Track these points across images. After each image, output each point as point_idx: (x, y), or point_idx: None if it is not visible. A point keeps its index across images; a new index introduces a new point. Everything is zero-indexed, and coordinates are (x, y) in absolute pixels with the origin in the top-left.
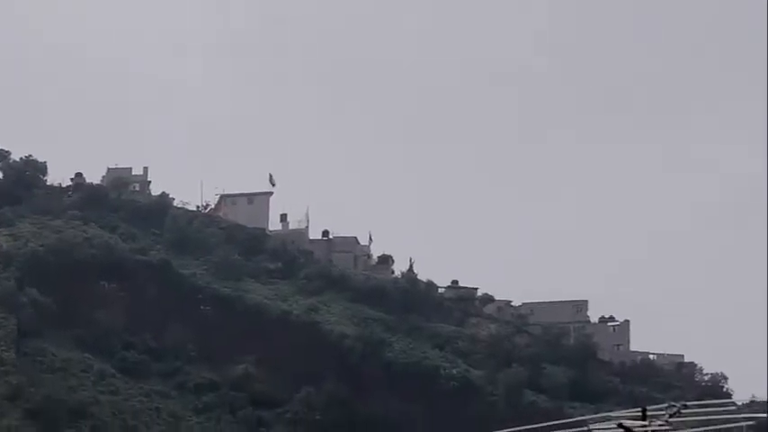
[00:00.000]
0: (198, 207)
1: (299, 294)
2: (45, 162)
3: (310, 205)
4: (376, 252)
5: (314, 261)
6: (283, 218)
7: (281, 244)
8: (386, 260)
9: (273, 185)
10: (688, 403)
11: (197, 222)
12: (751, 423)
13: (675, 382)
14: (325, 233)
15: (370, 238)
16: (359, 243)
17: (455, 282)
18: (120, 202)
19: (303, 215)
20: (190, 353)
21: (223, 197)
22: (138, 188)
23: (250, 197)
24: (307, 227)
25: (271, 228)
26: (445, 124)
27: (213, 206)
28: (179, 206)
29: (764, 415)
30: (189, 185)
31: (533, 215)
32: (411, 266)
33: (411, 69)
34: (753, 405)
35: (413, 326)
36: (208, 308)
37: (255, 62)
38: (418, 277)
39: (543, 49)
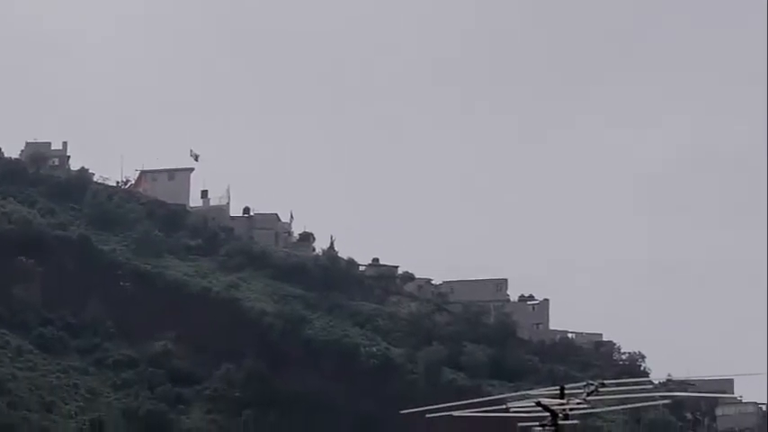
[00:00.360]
0: (118, 183)
1: (219, 271)
2: None
3: (231, 182)
4: (297, 229)
5: (235, 238)
6: (204, 194)
7: (202, 220)
8: (307, 238)
9: (196, 160)
10: (606, 381)
11: (117, 198)
12: (667, 401)
13: (594, 361)
14: (246, 210)
15: (291, 216)
16: (280, 220)
17: (376, 260)
18: (39, 176)
19: (224, 192)
20: (108, 329)
21: (143, 173)
22: (57, 163)
23: (171, 173)
24: (228, 203)
25: (191, 204)
26: (367, 100)
27: (133, 182)
28: (99, 182)
29: (680, 393)
30: (109, 161)
31: (454, 193)
32: (332, 244)
33: (329, 42)
34: (669, 384)
35: (333, 303)
36: (127, 284)
37: (177, 37)
38: (339, 255)
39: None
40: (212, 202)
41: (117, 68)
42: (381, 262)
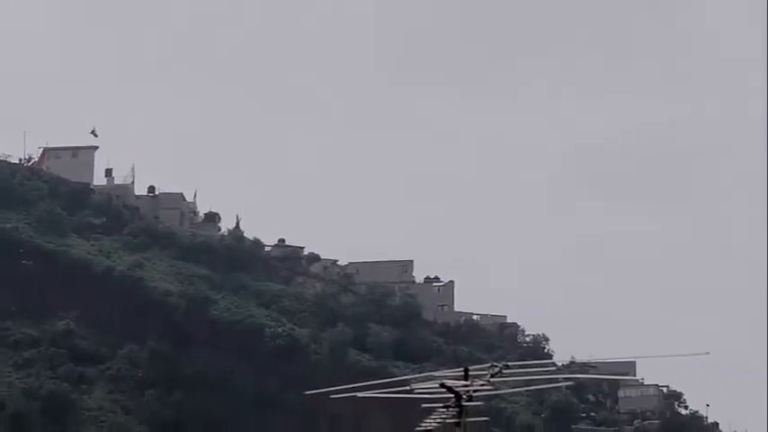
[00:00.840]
0: (20, 160)
1: (123, 250)
2: None
3: (136, 161)
4: (202, 209)
5: (139, 217)
6: (108, 173)
7: (106, 199)
8: (212, 217)
9: (96, 136)
10: (510, 363)
11: (19, 175)
12: (570, 383)
13: (498, 343)
14: (151, 189)
15: (196, 196)
16: (185, 200)
17: (282, 240)
18: None
19: (129, 171)
20: (10, 308)
21: (47, 150)
22: None
23: (74, 151)
24: (132, 182)
25: (95, 183)
26: (275, 76)
27: (36, 159)
28: (1, 159)
29: (583, 375)
30: (11, 138)
31: (361, 174)
32: (237, 224)
33: (232, 21)
34: (572, 366)
35: (239, 284)
36: (30, 263)
37: (80, 13)
38: (245, 235)
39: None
40: (117, 181)
41: (20, 46)
42: (287, 243)
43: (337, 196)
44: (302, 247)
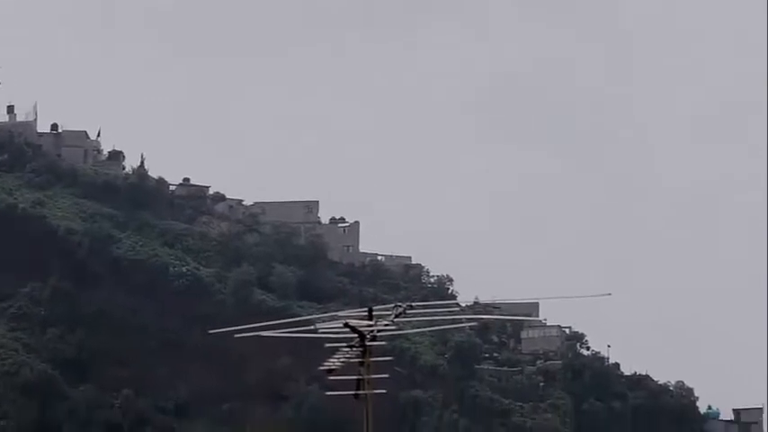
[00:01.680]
0: None
1: (25, 188)
2: None
3: (39, 98)
4: (106, 147)
5: (42, 155)
6: (10, 110)
7: (8, 136)
8: (116, 156)
9: None
10: (414, 304)
11: None
12: (474, 324)
13: (403, 284)
14: (54, 127)
15: (100, 133)
16: (89, 138)
17: (186, 179)
18: None
19: (31, 108)
20: None
21: None
22: None
23: None
24: (35, 120)
25: None
26: (178, 13)
27: None
28: None
29: (487, 316)
30: None
31: (268, 113)
32: (142, 162)
33: None
34: (475, 307)
35: (143, 222)
36: None
37: None
38: (149, 174)
39: None
40: (19, 118)
41: None
42: (192, 182)
43: (243, 135)
44: (207, 187)
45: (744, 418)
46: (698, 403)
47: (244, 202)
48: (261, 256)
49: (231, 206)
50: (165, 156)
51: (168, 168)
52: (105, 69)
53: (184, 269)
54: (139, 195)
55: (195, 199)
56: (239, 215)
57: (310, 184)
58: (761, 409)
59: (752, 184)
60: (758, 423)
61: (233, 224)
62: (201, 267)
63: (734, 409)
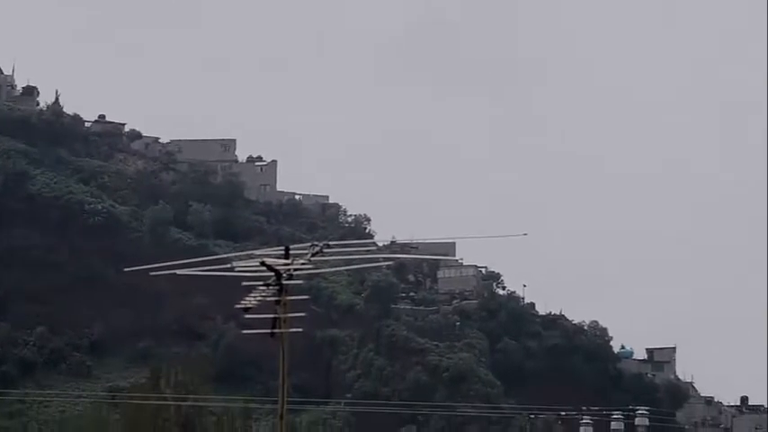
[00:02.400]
0: None
1: None
2: None
3: None
4: (20, 83)
5: None
6: None
7: None
8: (31, 91)
9: None
10: (331, 243)
11: None
12: (390, 263)
13: (320, 223)
14: None
15: (14, 69)
16: (2, 73)
17: (102, 116)
18: None
19: None
20: None
21: None
22: None
23: None
24: None
25: None
26: None
27: None
28: None
29: (403, 256)
30: None
31: (184, 50)
32: (57, 99)
33: None
34: (392, 246)
35: (57, 159)
36: None
37: None
38: (64, 110)
39: None
40: None
41: None
42: (108, 119)
43: (159, 73)
44: (123, 124)
45: (656, 358)
46: (612, 343)
47: (160, 140)
48: (177, 194)
49: (147, 144)
50: (81, 92)
51: (84, 105)
52: (18, 4)
53: (100, 207)
54: (54, 132)
55: (111, 136)
56: (156, 153)
57: (227, 122)
58: (673, 348)
59: (663, 128)
60: (670, 362)
61: (149, 162)
62: (117, 205)
63: (647, 349)
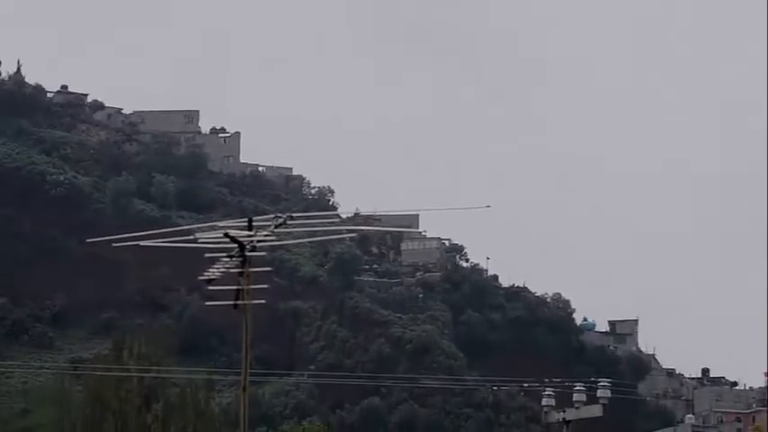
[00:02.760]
0: None
1: None
2: None
3: None
4: None
5: None
6: None
7: None
8: None
9: None
10: (294, 215)
11: None
12: (354, 235)
13: (284, 195)
14: None
15: None
16: None
17: (65, 87)
18: None
19: None
20: None
21: None
22: None
23: None
24: None
25: None
26: None
27: None
28: None
29: (367, 228)
30: None
31: (147, 20)
32: (18, 69)
33: None
34: (356, 218)
35: (19, 130)
36: None
37: None
38: (26, 80)
39: None
40: None
41: None
42: (70, 89)
43: (121, 42)
44: (86, 95)
45: (619, 330)
46: (574, 315)
47: (123, 111)
48: (140, 165)
49: (110, 115)
50: (43, 62)
51: (46, 75)
52: None
53: (62, 177)
54: (16, 102)
55: (73, 107)
56: (118, 124)
57: (191, 93)
58: (635, 320)
59: (624, 94)
60: (632, 334)
61: (112, 133)
62: (80, 176)
63: (609, 321)
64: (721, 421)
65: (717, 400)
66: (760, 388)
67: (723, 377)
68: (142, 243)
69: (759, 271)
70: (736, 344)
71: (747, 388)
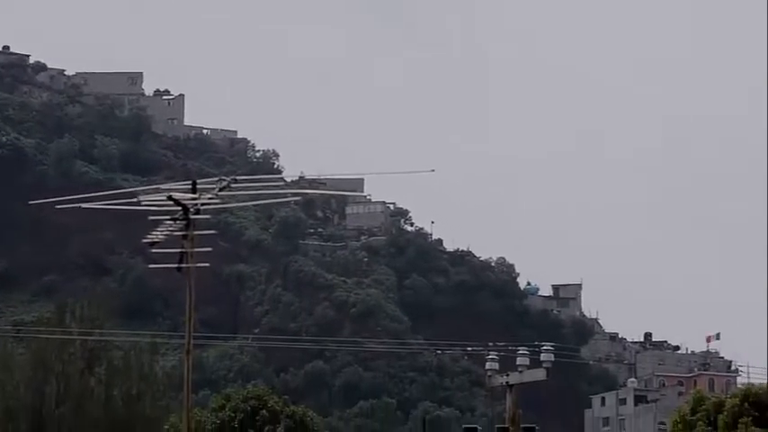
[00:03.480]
0: None
1: None
2: None
3: None
4: None
5: None
6: None
7: None
8: None
9: None
10: (238, 178)
11: None
12: (298, 199)
13: (228, 158)
14: None
15: None
16: None
17: (6, 47)
18: None
19: None
20: None
21: None
22: None
23: None
24: None
25: None
26: None
27: None
28: None
29: (312, 191)
30: None
31: None
32: None
33: None
34: (301, 182)
35: None
36: None
37: None
38: None
39: None
40: None
41: None
42: (12, 50)
43: (67, 3)
44: (28, 56)
45: (562, 294)
46: (518, 279)
47: (66, 72)
48: (83, 127)
49: (53, 76)
50: None
51: None
52: None
53: (4, 139)
54: None
55: (15, 68)
56: (61, 85)
57: (135, 54)
58: (579, 285)
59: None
60: (576, 299)
61: (54, 94)
62: (22, 138)
63: (553, 286)
64: (663, 385)
65: (659, 364)
66: (702, 352)
67: (665, 341)
68: (85, 205)
69: (701, 237)
70: (679, 308)
71: (689, 352)
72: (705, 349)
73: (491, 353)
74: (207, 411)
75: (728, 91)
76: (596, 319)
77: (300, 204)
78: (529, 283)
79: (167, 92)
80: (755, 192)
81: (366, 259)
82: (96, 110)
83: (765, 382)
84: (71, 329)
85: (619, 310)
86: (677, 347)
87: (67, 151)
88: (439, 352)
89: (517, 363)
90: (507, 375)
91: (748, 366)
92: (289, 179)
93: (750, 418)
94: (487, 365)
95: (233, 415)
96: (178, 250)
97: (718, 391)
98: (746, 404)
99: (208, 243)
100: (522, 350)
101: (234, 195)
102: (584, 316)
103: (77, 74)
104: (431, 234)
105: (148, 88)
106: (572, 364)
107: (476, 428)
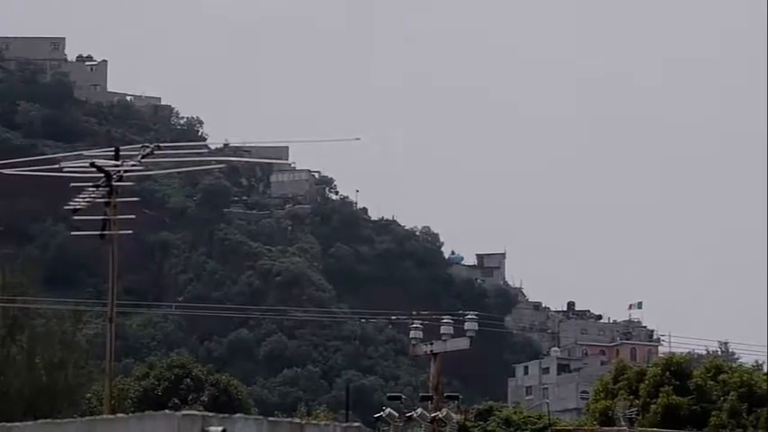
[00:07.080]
0: None
1: None
2: None
3: None
4: None
5: None
6: None
7: None
8: None
9: None
10: (162, 145)
11: None
12: (223, 167)
13: (152, 125)
14: None
15: None
16: None
17: None
18: None
19: None
20: None
21: None
22: None
23: None
24: None
25: None
26: None
27: None
28: None
29: (236, 159)
30: None
31: None
32: None
33: None
34: (225, 149)
35: None
36: None
37: None
38: None
39: None
40: None
41: None
42: None
43: None
44: None
45: (486, 263)
46: (443, 248)
47: None
48: (4, 92)
49: None
50: None
51: None
52: None
53: None
54: None
55: None
56: None
57: (56, 18)
58: (503, 254)
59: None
60: (500, 268)
61: None
62: None
63: (477, 255)
64: (586, 354)
65: (582, 333)
66: (624, 321)
67: (588, 311)
68: (7, 171)
69: (625, 206)
70: (601, 278)
71: (611, 321)
72: (627, 318)
73: (415, 321)
74: (130, 379)
75: (630, 51)
76: (520, 289)
77: (225, 172)
78: (453, 252)
79: (90, 57)
80: (676, 157)
81: (291, 227)
82: (18, 75)
83: (686, 351)
84: None
85: (542, 280)
86: (599, 317)
87: None
88: (363, 320)
89: (441, 331)
90: (431, 344)
91: (670, 335)
92: (213, 146)
93: (671, 387)
94: (411, 334)
95: (156, 383)
96: (101, 217)
97: (640, 360)
98: (668, 373)
99: (131, 210)
100: (446, 319)
101: (157, 162)
102: (507, 285)
103: None
104: (356, 202)
105: (71, 54)
106: (496, 333)
107: (400, 397)
